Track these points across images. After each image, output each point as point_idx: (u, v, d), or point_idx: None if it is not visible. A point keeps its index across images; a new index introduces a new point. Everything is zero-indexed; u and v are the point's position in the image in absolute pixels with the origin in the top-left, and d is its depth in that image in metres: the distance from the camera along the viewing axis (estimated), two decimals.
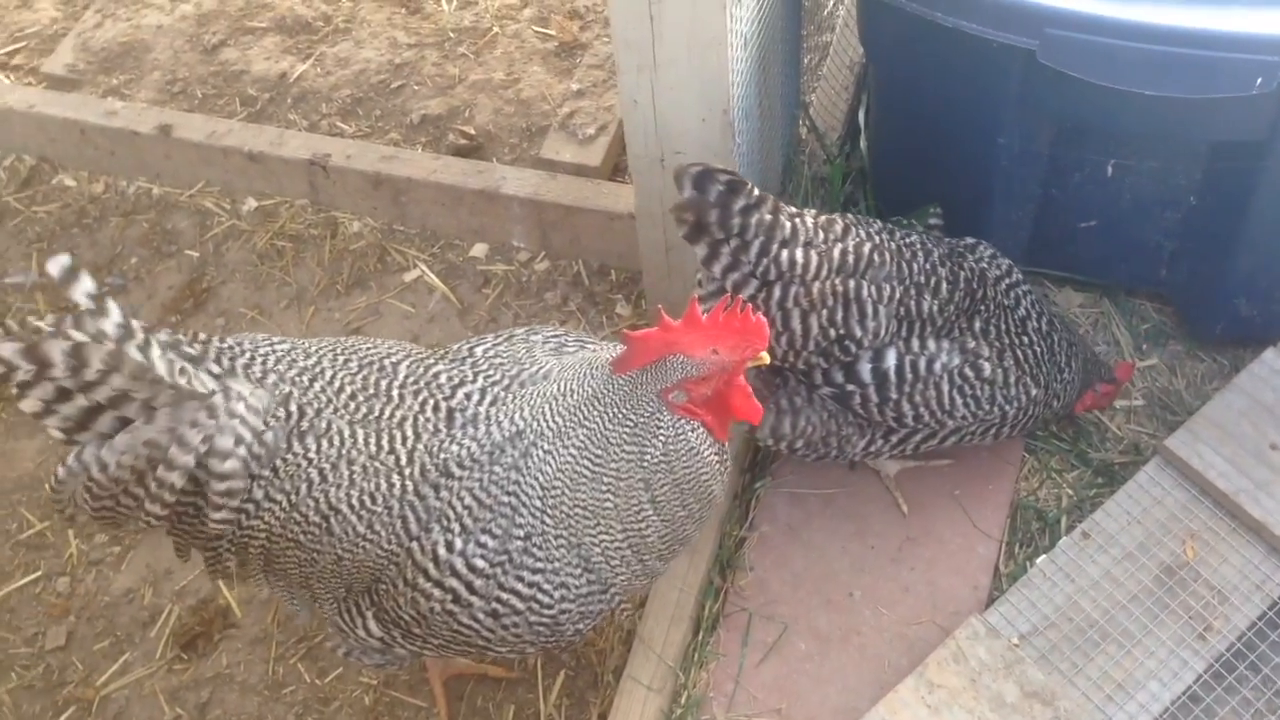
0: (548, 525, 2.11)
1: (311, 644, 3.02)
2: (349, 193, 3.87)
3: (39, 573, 3.22)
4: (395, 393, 2.19)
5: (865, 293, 2.55)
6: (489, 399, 2.15)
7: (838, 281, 2.54)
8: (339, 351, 2.27)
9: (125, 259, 3.93)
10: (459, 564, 2.12)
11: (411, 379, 2.21)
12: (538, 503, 2.10)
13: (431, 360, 2.26)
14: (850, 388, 2.64)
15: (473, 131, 4.01)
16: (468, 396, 2.16)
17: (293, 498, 2.16)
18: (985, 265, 2.75)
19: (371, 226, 3.88)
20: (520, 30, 4.36)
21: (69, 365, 1.95)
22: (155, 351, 1.99)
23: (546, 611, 2.19)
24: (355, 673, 2.96)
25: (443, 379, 2.20)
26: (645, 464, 2.09)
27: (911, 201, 3.22)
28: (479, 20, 4.40)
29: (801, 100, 3.55)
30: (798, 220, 2.54)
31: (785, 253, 2.51)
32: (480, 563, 2.12)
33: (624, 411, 2.05)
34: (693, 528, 2.27)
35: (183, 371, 2.02)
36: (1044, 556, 2.85)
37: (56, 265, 1.95)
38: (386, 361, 2.24)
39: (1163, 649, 2.68)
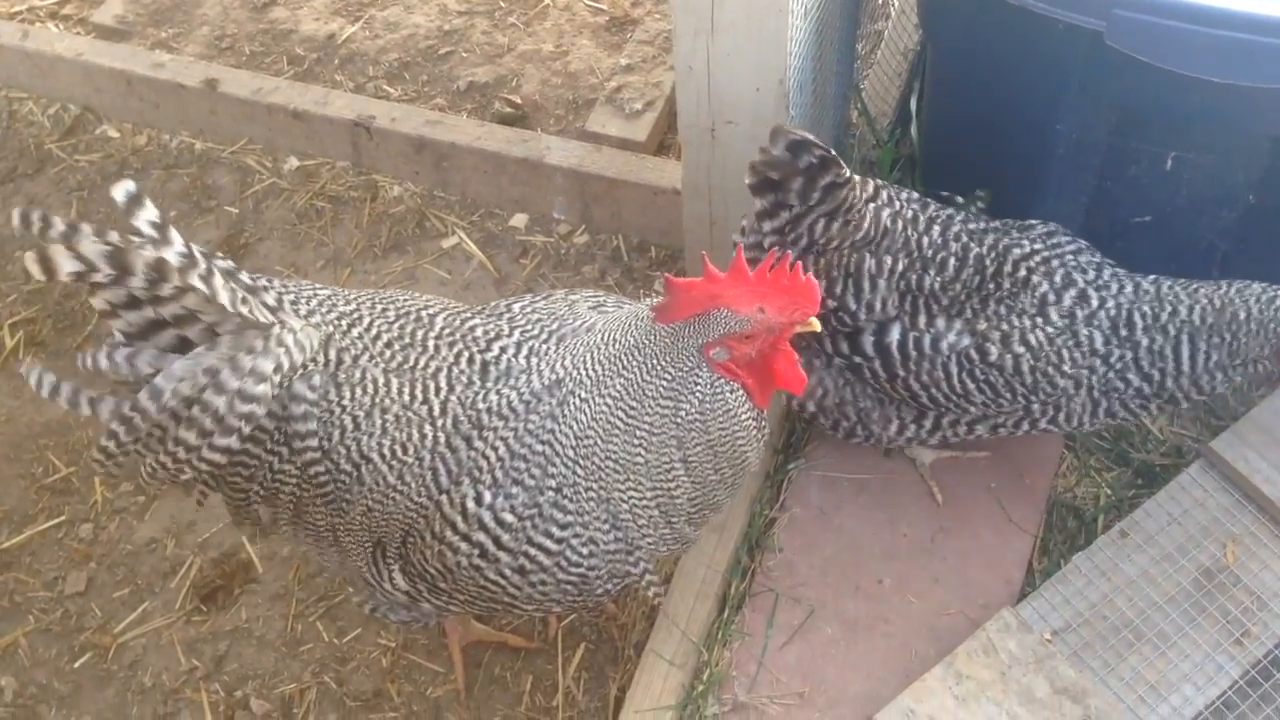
0: (579, 476, 2.07)
1: (332, 603, 2.99)
2: (391, 156, 3.84)
3: (62, 517, 3.21)
4: (431, 343, 2.16)
5: (865, 265, 2.52)
6: (524, 351, 2.12)
7: (846, 250, 2.51)
8: (376, 301, 2.25)
9: (164, 212, 3.89)
10: (487, 517, 2.08)
11: (447, 330, 2.18)
12: (570, 452, 2.06)
13: (468, 314, 2.23)
14: (857, 359, 2.62)
15: (519, 101, 3.98)
16: (503, 350, 2.13)
17: (325, 444, 2.13)
18: (1024, 245, 2.61)
19: (412, 191, 3.86)
20: (571, 3, 4.32)
21: (148, 278, 1.89)
22: (218, 280, 1.95)
23: (574, 569, 2.15)
24: (374, 634, 2.93)
25: (478, 332, 2.16)
26: (679, 420, 2.04)
27: (961, 190, 3.15)
28: None
29: (854, 83, 3.50)
30: (856, 193, 2.51)
31: (821, 223, 2.49)
32: (509, 517, 2.08)
33: (663, 364, 2.00)
34: (724, 493, 2.22)
35: (244, 301, 1.99)
36: (1080, 553, 2.79)
37: (121, 191, 1.91)
38: (423, 313, 2.22)
39: (1198, 652, 2.62)
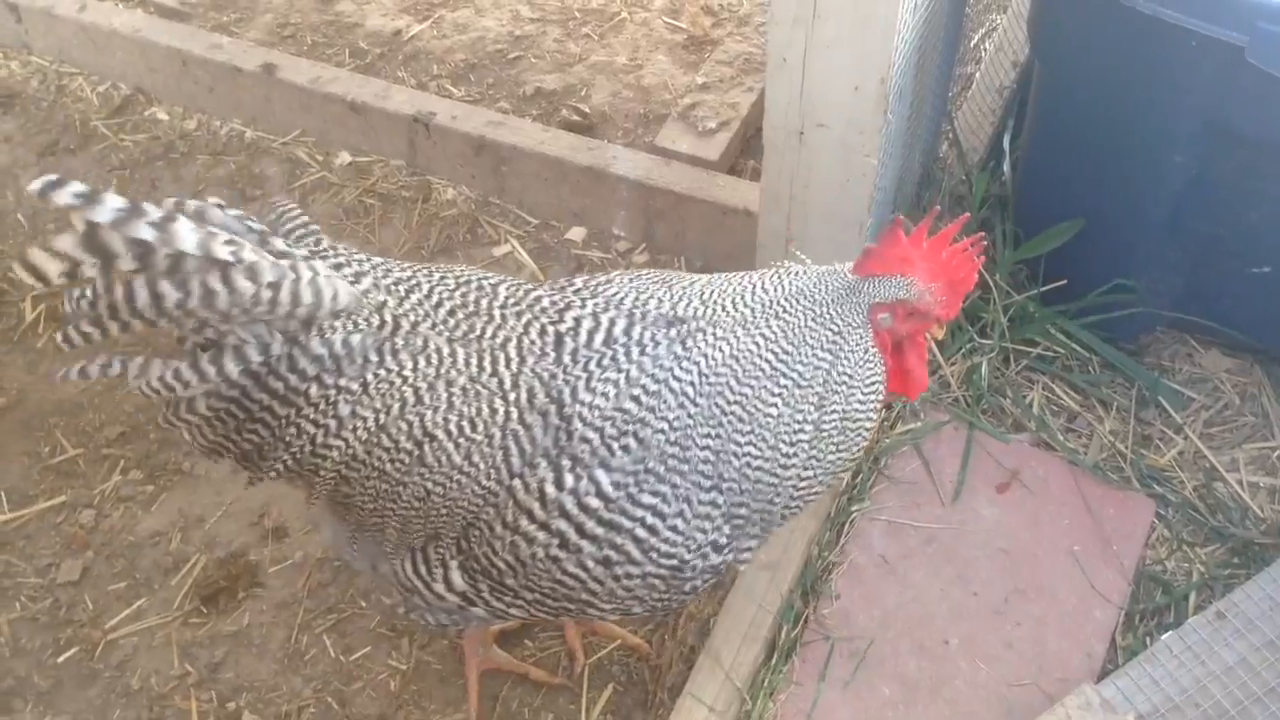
0: (690, 420, 1.85)
1: (341, 616, 2.75)
2: (448, 157, 3.66)
3: (63, 498, 2.99)
4: (497, 312, 1.95)
5: None
6: (604, 324, 1.91)
7: None
8: (434, 269, 2.05)
9: (205, 197, 3.72)
10: (569, 503, 1.86)
11: (512, 300, 1.97)
12: (690, 390, 1.84)
13: (530, 286, 2.03)
14: None
15: (587, 110, 3.79)
16: (578, 321, 1.92)
17: (382, 418, 1.91)
18: None
19: (466, 196, 3.67)
20: (650, 19, 4.16)
21: (137, 254, 1.74)
22: (181, 226, 1.76)
23: (666, 560, 1.92)
24: (384, 653, 2.69)
25: (545, 303, 1.96)
26: (831, 378, 1.85)
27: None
28: (608, 4, 4.22)
29: (948, 113, 3.30)
30: None
31: None
32: (594, 501, 1.86)
33: (832, 313, 1.84)
34: (825, 481, 1.98)
35: (230, 243, 1.80)
36: (1171, 632, 2.52)
37: (39, 182, 1.70)
38: (485, 282, 2.02)
39: None
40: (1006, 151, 3.27)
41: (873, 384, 1.90)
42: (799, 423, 1.87)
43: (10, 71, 4.17)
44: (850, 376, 1.87)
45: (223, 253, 1.79)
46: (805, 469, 1.91)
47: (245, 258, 1.81)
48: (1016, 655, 2.52)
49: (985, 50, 3.83)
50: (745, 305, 1.88)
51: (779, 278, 1.89)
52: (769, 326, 1.85)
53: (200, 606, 2.80)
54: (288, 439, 1.96)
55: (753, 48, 3.89)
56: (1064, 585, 2.63)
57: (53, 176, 1.72)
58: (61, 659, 2.71)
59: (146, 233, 1.73)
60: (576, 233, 3.56)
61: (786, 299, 1.86)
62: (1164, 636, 2.52)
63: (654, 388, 1.85)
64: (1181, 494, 2.80)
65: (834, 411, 1.87)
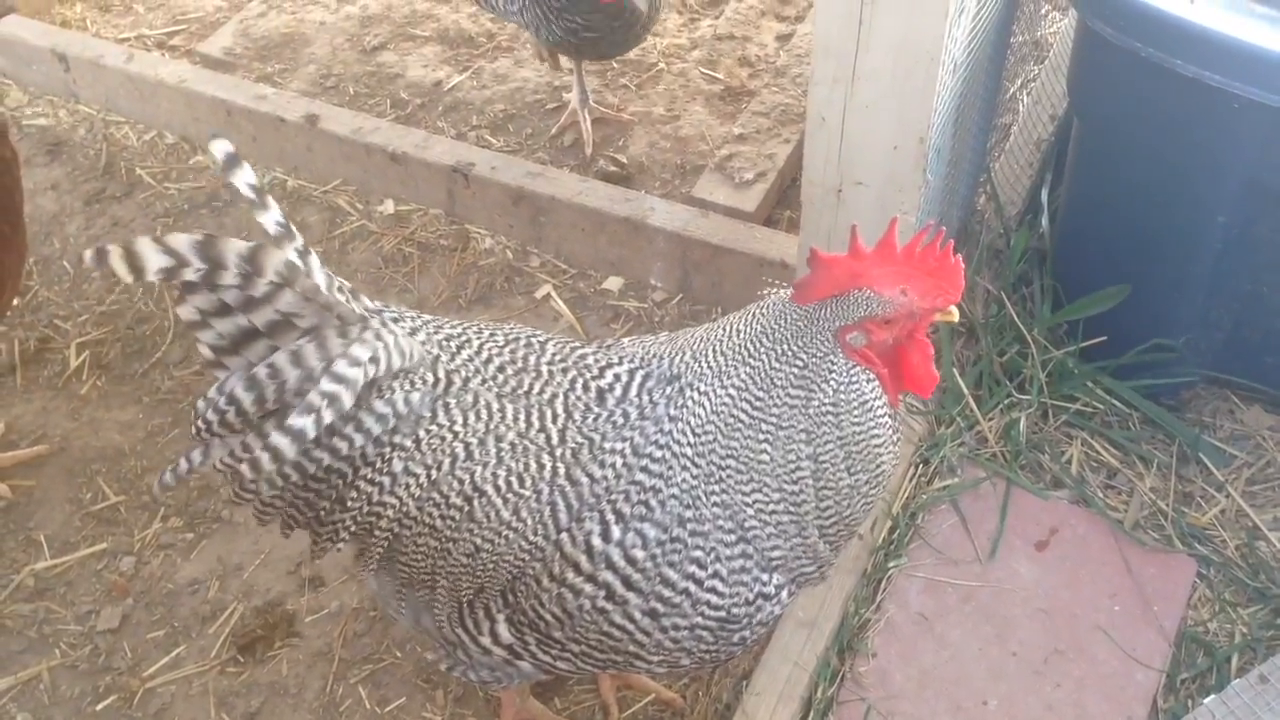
0: (698, 480, 1.86)
1: (377, 666, 2.75)
2: (487, 207, 3.69)
3: (104, 546, 3.01)
4: (544, 369, 1.98)
5: None
6: (639, 378, 1.93)
7: None
8: (483, 327, 2.08)
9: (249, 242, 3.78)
10: (615, 555, 1.88)
11: (559, 356, 2.00)
12: (689, 450, 1.85)
13: (576, 343, 2.05)
14: None
15: (624, 160, 3.82)
16: (616, 378, 1.94)
17: (434, 474, 1.93)
18: None
19: (504, 245, 3.70)
20: (686, 70, 4.19)
21: (241, 270, 1.72)
22: (315, 261, 1.79)
23: (713, 612, 1.93)
24: (419, 705, 2.68)
25: (589, 360, 1.98)
26: (810, 412, 1.83)
27: (1095, 285, 2.93)
28: (645, 55, 4.25)
29: (985, 166, 3.30)
30: None
31: None
32: (639, 553, 1.87)
33: (794, 349, 1.80)
34: (859, 505, 1.96)
35: (341, 289, 1.83)
36: (1213, 696, 2.48)
37: (220, 148, 1.76)
38: (533, 339, 2.04)
39: None
40: (1045, 205, 3.27)
41: (862, 404, 1.86)
42: (793, 462, 1.86)
43: (58, 120, 4.25)
44: (834, 404, 1.84)
45: (338, 298, 1.82)
46: (822, 500, 1.90)
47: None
48: (1056, 718, 2.49)
49: (1022, 102, 3.83)
50: (720, 355, 1.86)
51: (751, 317, 1.87)
52: (739, 375, 1.84)
53: (237, 655, 2.80)
54: (347, 501, 1.98)
55: (789, 99, 3.92)
56: (1104, 646, 2.60)
57: (231, 147, 1.77)
58: (100, 707, 2.73)
59: (295, 259, 1.74)
60: (613, 283, 3.58)
61: (751, 342, 1.84)
62: (1206, 700, 2.49)
63: (659, 454, 1.87)
64: (1223, 554, 2.77)
65: (828, 442, 1.85)
